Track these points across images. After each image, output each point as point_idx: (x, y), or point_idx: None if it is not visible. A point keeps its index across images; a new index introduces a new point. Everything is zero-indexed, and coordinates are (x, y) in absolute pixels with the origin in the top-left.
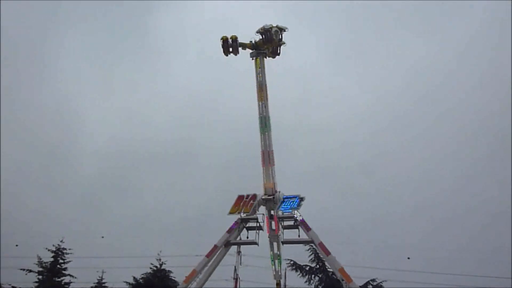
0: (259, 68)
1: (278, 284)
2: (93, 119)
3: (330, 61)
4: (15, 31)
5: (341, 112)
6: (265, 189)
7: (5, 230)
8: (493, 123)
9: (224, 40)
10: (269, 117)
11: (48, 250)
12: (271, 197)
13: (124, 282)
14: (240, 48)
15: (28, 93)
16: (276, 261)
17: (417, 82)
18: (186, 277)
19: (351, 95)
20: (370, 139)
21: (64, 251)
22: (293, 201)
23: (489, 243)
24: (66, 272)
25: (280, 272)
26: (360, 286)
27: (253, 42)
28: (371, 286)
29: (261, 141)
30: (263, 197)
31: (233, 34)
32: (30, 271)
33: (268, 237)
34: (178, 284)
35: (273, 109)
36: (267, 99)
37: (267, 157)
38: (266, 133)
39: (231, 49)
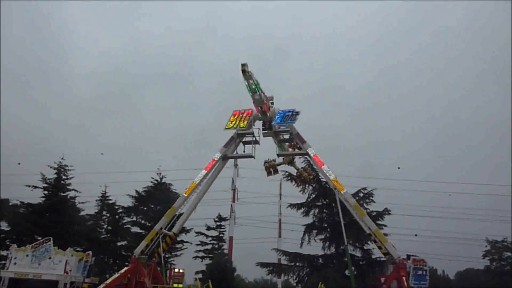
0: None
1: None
2: (85, 37)
3: None
4: None
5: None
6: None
7: (6, 149)
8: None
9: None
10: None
11: (51, 167)
12: (264, 113)
13: (127, 195)
14: None
15: (16, 11)
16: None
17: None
18: (186, 189)
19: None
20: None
21: (66, 168)
22: (288, 115)
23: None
24: (70, 187)
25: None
26: (351, 194)
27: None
28: (362, 194)
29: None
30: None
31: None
32: (36, 187)
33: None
34: (179, 196)
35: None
36: None
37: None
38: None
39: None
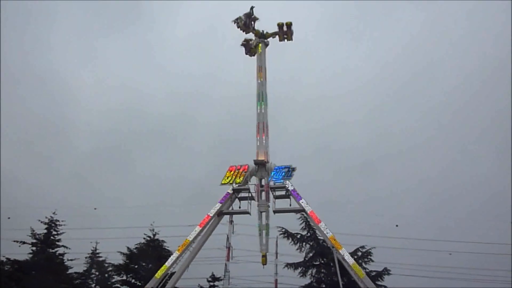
0: (260, 53)
1: (264, 256)
2: (86, 93)
3: (327, 35)
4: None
5: (338, 88)
6: (258, 155)
7: None
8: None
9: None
10: (266, 93)
11: (41, 222)
12: (262, 161)
13: (118, 252)
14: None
15: (18, 65)
16: (264, 232)
17: (416, 56)
18: (179, 246)
19: (348, 70)
20: (367, 118)
21: (57, 223)
22: (284, 171)
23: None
24: (60, 243)
25: (267, 244)
26: (349, 252)
27: (262, 31)
28: (360, 253)
29: (257, 112)
30: (254, 160)
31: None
32: (24, 242)
33: (258, 206)
34: (172, 253)
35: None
36: (265, 78)
37: (262, 127)
38: (263, 105)
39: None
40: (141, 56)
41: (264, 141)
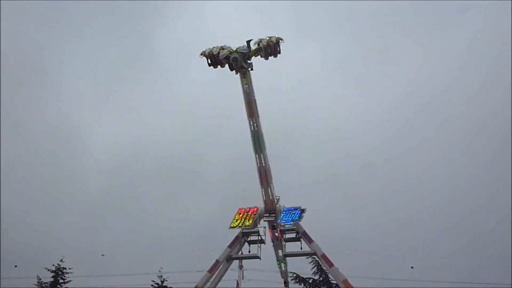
0: (245, 84)
1: (285, 283)
2: (95, 136)
3: (333, 72)
4: (13, 46)
5: (343, 123)
6: (265, 206)
7: (4, 251)
8: (495, 127)
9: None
10: (262, 133)
11: (48, 270)
12: (272, 215)
13: None
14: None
15: (28, 110)
16: (282, 264)
17: (420, 90)
18: None
19: (353, 106)
20: (372, 149)
21: (64, 271)
22: (294, 213)
23: (492, 248)
24: None
25: (287, 272)
26: None
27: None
28: None
29: (256, 160)
30: (264, 217)
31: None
32: None
33: (273, 246)
34: None
35: (273, 120)
36: (258, 115)
37: (264, 176)
38: (261, 152)
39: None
40: (153, 97)
41: (269, 189)
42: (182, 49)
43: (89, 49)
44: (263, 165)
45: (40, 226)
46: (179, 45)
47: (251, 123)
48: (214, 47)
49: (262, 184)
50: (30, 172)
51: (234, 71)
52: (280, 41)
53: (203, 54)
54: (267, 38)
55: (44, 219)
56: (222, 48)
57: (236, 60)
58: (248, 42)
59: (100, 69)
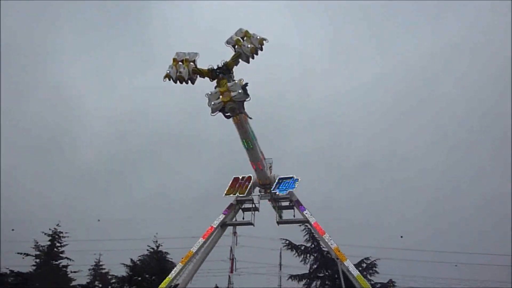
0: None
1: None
2: (93, 105)
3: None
4: (17, 24)
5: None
6: (259, 181)
7: (1, 215)
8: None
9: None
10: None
11: (45, 234)
12: (265, 184)
13: (122, 264)
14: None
15: (29, 81)
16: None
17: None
18: (183, 258)
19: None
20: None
21: (61, 235)
22: (288, 182)
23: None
24: (63, 255)
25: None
26: (354, 264)
27: (220, 65)
28: (365, 265)
29: (248, 155)
30: (259, 190)
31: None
32: (28, 254)
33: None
34: (175, 265)
35: (275, 85)
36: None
37: (258, 167)
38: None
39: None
40: (149, 68)
41: (263, 170)
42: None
43: (87, 22)
44: (255, 159)
45: (37, 192)
46: (174, 16)
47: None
48: (180, 63)
49: (256, 170)
50: (28, 139)
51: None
52: (264, 41)
53: (167, 77)
54: (249, 46)
55: (39, 185)
56: (196, 67)
57: (233, 110)
58: (245, 86)
59: (97, 44)
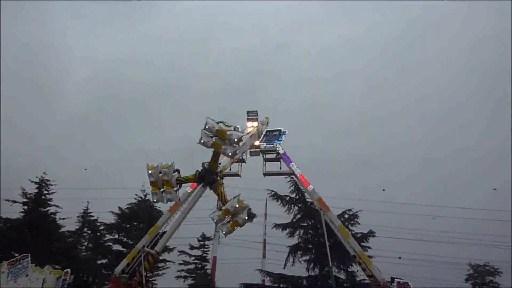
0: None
1: None
2: (79, 54)
3: None
4: None
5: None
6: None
7: None
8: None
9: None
10: None
11: (32, 181)
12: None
13: (110, 212)
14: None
15: (13, 27)
16: None
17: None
18: (170, 207)
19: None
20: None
21: (48, 183)
22: (275, 135)
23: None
24: (51, 203)
25: None
26: (337, 215)
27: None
28: (347, 215)
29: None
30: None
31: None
32: (15, 201)
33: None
34: (163, 214)
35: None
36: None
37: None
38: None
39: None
40: (135, 21)
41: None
42: None
43: None
44: None
45: (21, 139)
46: None
47: None
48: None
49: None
50: (8, 88)
51: None
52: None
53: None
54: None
55: (24, 132)
56: (179, 176)
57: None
58: (251, 214)
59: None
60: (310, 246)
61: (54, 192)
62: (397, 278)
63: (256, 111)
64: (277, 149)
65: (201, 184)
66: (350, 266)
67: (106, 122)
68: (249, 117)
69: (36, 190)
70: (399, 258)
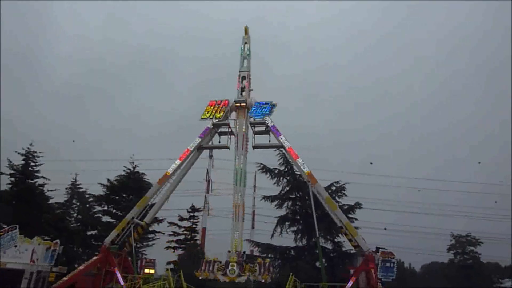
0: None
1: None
2: (68, 23)
3: None
4: None
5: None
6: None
7: None
8: None
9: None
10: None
11: (18, 153)
12: (243, 104)
13: (99, 183)
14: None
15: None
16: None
17: None
18: (159, 179)
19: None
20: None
21: (35, 154)
22: (265, 107)
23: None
24: (39, 175)
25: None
26: (324, 187)
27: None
28: (334, 188)
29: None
30: (235, 100)
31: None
32: (2, 173)
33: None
34: (152, 185)
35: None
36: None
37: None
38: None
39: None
40: None
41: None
42: None
43: None
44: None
45: (7, 112)
46: None
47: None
48: None
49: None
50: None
51: None
52: None
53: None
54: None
55: (13, 104)
56: None
57: None
58: None
59: None
60: (298, 217)
61: (41, 164)
62: (382, 248)
63: None
64: (267, 121)
65: (190, 155)
66: (336, 237)
67: (95, 94)
68: None
69: (22, 162)
70: (385, 229)
